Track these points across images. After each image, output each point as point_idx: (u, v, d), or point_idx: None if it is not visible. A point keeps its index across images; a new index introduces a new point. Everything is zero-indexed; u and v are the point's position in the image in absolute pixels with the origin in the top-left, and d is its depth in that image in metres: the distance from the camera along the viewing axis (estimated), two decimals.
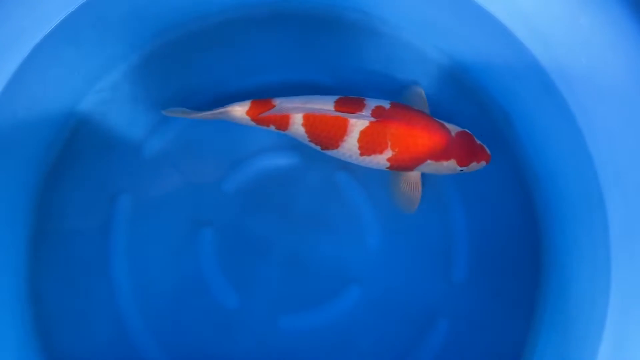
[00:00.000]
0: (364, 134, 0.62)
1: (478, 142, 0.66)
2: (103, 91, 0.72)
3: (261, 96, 0.66)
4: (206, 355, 0.69)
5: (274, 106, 0.64)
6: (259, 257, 0.71)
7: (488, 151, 0.67)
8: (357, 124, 0.62)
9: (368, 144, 0.63)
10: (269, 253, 0.71)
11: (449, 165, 0.65)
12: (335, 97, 0.64)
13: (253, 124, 0.66)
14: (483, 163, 0.67)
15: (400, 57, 0.74)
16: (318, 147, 0.66)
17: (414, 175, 0.67)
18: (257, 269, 0.71)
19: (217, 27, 0.73)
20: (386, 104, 0.64)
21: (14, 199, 0.68)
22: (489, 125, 0.74)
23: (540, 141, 0.70)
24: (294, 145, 0.70)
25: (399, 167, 0.65)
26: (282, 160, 0.72)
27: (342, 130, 0.63)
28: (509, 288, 0.72)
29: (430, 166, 0.65)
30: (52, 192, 0.71)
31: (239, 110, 0.65)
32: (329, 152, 0.66)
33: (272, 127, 0.66)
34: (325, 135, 0.64)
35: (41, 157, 0.70)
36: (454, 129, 0.65)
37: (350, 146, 0.63)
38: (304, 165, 0.72)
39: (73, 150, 0.71)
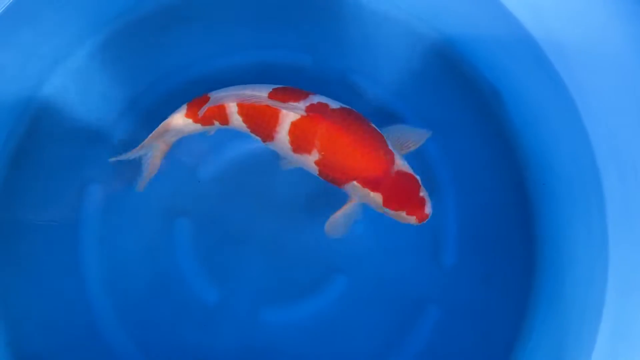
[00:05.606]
0: (294, 126, 0.57)
1: (422, 194, 0.58)
2: (66, 75, 0.69)
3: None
4: (185, 352, 0.67)
5: (208, 99, 0.61)
6: (238, 247, 0.69)
7: (427, 210, 0.58)
8: (289, 115, 0.57)
9: (297, 139, 0.57)
10: (249, 243, 0.69)
11: (374, 198, 0.57)
12: (273, 86, 0.60)
13: (199, 126, 0.63)
14: (413, 219, 0.58)
15: (384, 31, 0.72)
16: (260, 139, 0.61)
17: (352, 200, 0.60)
18: (237, 260, 0.68)
19: (187, 1, 0.69)
20: (335, 105, 0.58)
21: None
22: (477, 103, 0.72)
23: (532, 118, 0.69)
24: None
25: (327, 176, 0.59)
26: (260, 145, 0.68)
27: (274, 120, 0.58)
28: (502, 271, 0.70)
29: (357, 190, 0.58)
30: (15, 184, 0.67)
31: (178, 117, 0.62)
32: (270, 146, 0.61)
33: (217, 124, 0.62)
34: (260, 124, 0.59)
35: (1, 148, 0.67)
36: (401, 165, 0.58)
37: (283, 139, 0.58)
38: None
39: (36, 139, 0.68)
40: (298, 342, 0.68)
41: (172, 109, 0.67)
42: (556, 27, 0.58)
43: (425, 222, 0.58)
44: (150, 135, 0.63)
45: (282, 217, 0.69)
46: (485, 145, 0.71)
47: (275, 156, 0.67)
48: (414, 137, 0.61)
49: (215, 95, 0.60)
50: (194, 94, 0.66)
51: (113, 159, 0.64)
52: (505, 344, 0.68)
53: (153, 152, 0.64)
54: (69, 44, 0.68)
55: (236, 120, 0.60)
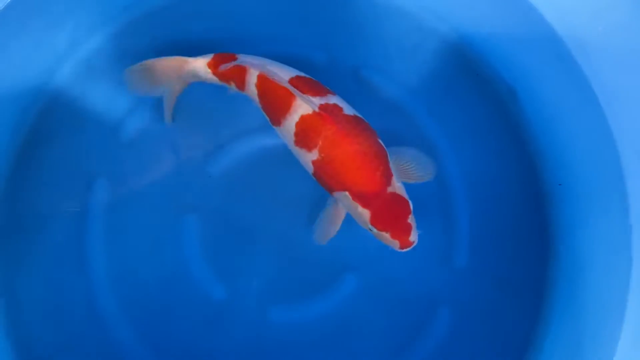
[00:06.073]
0: (303, 119, 0.56)
1: (411, 221, 0.56)
2: (76, 66, 0.68)
3: None
4: (191, 350, 0.65)
5: (235, 59, 0.61)
6: (247, 244, 0.67)
7: (412, 238, 0.55)
8: (302, 107, 0.56)
9: (303, 132, 0.56)
10: (258, 240, 0.67)
11: (362, 214, 0.56)
12: (298, 73, 0.59)
13: (215, 79, 0.62)
14: (396, 244, 0.55)
15: (398, 28, 0.71)
16: (269, 120, 0.61)
17: (339, 207, 0.60)
18: (246, 257, 0.67)
19: None
20: (350, 111, 0.57)
21: None
22: (492, 100, 0.70)
23: (550, 116, 0.67)
24: None
25: (320, 178, 0.58)
26: (271, 141, 0.68)
27: (287, 106, 0.57)
28: (515, 274, 0.68)
29: (346, 201, 0.57)
30: (21, 177, 0.66)
31: (201, 61, 0.62)
32: (276, 130, 0.60)
33: (233, 85, 0.62)
34: (273, 105, 0.58)
35: (8, 140, 0.66)
36: (397, 188, 0.56)
37: (289, 128, 0.57)
38: None
39: (44, 132, 0.67)
40: (306, 341, 0.66)
41: (181, 102, 0.67)
42: (580, 22, 0.57)
43: (407, 249, 0.56)
44: (165, 58, 0.63)
45: (293, 214, 0.68)
46: (500, 144, 0.70)
47: (287, 152, 0.66)
48: (419, 170, 0.60)
49: (243, 58, 0.60)
50: (203, 87, 0.66)
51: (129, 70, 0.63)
52: (518, 348, 0.66)
53: (168, 90, 0.64)
54: (79, 35, 0.67)
55: (252, 91, 0.60)
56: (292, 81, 0.57)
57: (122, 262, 0.66)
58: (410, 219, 0.56)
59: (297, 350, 0.66)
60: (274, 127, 0.60)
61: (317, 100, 0.56)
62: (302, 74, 0.59)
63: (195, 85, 0.66)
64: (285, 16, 0.70)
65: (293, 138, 0.57)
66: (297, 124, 0.56)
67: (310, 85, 0.58)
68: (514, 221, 0.69)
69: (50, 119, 0.67)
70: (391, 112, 0.71)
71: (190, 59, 0.62)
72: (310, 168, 0.58)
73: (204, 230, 0.67)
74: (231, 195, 0.68)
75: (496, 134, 0.69)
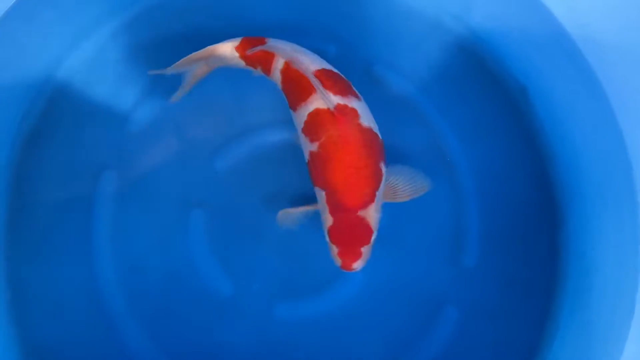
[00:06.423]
0: (317, 112, 0.56)
1: (364, 250, 0.57)
2: (84, 56, 0.68)
3: None
4: (197, 345, 0.65)
5: (264, 44, 0.61)
6: (254, 240, 0.67)
7: (355, 265, 0.57)
8: (319, 101, 0.56)
9: (312, 123, 0.56)
10: (265, 236, 0.67)
11: (326, 218, 0.57)
12: (325, 65, 0.59)
13: (242, 63, 0.62)
14: (338, 261, 0.57)
15: (409, 23, 0.71)
16: (288, 103, 0.61)
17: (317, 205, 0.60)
18: (252, 253, 0.67)
19: None
20: (366, 122, 0.56)
21: None
22: (502, 99, 0.70)
23: (560, 115, 0.67)
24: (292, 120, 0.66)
25: (310, 169, 0.58)
26: (279, 137, 0.68)
27: (305, 95, 0.57)
28: (524, 274, 0.68)
29: (320, 199, 0.57)
30: (28, 167, 0.66)
31: (228, 46, 0.62)
32: (292, 114, 0.60)
33: (259, 69, 0.62)
34: (293, 92, 0.58)
35: (15, 129, 0.66)
36: (370, 215, 0.56)
37: (301, 116, 0.57)
38: None
39: (51, 122, 0.67)
40: (312, 339, 0.66)
41: (191, 93, 0.67)
42: (592, 21, 0.56)
43: (347, 271, 0.57)
44: (193, 54, 0.62)
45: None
46: (510, 142, 0.70)
47: (295, 148, 0.66)
48: (413, 187, 0.60)
49: (272, 43, 0.60)
50: (212, 79, 0.65)
51: (152, 72, 0.64)
52: (526, 348, 0.66)
53: (192, 71, 0.64)
54: (88, 26, 0.67)
55: (276, 76, 0.60)
56: (317, 73, 0.57)
57: (128, 255, 0.66)
58: (365, 249, 0.57)
59: (303, 347, 0.66)
60: (290, 109, 0.60)
61: (336, 99, 0.55)
62: (331, 67, 0.59)
63: (205, 79, 0.66)
64: (297, 7, 0.70)
65: (302, 125, 0.57)
66: (310, 114, 0.56)
67: (334, 81, 0.57)
68: (523, 221, 0.69)
69: (58, 109, 0.67)
70: (401, 109, 0.70)
71: (215, 46, 0.62)
72: (306, 156, 0.59)
73: (210, 225, 0.67)
74: (238, 191, 0.68)
75: (506, 132, 0.69)
